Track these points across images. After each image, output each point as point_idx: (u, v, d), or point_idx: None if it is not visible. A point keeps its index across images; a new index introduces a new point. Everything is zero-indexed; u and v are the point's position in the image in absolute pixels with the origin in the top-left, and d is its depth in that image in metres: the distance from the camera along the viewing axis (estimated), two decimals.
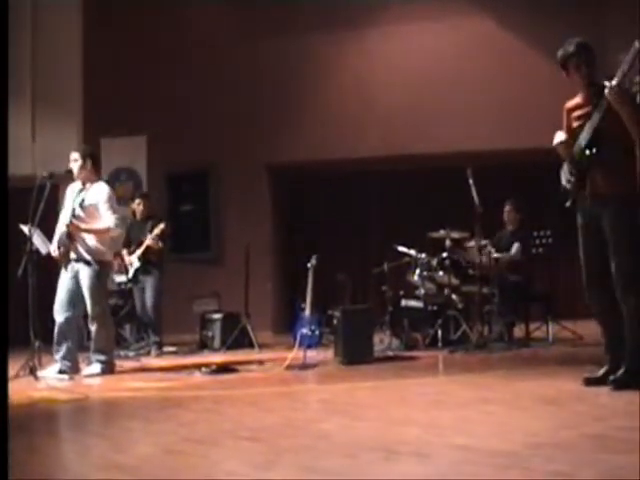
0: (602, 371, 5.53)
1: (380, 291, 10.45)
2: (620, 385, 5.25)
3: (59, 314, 8.03)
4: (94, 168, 8.47)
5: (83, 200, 8.18)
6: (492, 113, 12.47)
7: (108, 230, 8.19)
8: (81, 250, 8.11)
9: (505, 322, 9.39)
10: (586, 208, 5.55)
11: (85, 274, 8.05)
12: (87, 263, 8.07)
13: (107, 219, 8.14)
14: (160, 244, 10.46)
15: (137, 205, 10.82)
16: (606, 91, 5.27)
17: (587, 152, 5.41)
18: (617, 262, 5.36)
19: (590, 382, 5.52)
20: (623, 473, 3.12)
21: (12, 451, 3.97)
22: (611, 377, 5.35)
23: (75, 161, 8.30)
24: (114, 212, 8.21)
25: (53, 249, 8.22)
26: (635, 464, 3.18)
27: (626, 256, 5.34)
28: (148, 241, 10.31)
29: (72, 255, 8.12)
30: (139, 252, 10.39)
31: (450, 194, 11.85)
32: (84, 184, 8.31)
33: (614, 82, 5.26)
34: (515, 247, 9.77)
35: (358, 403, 5.69)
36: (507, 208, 10.16)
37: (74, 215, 8.14)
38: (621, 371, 5.33)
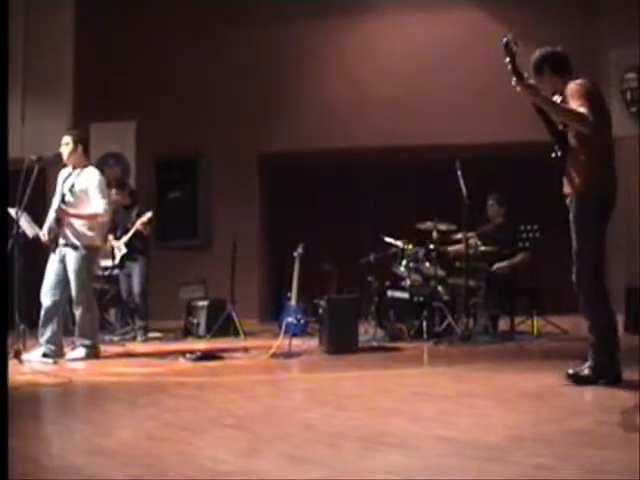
0: (586, 366, 5.56)
1: (366, 281, 10.46)
2: (578, 380, 5.29)
3: (46, 297, 8.03)
4: (84, 153, 8.46)
5: (73, 185, 8.19)
6: (484, 106, 12.47)
7: (97, 216, 8.19)
8: (69, 235, 8.11)
9: (490, 315, 9.41)
10: None
11: (72, 258, 8.05)
12: (74, 247, 8.07)
13: (97, 205, 8.15)
14: (148, 230, 10.49)
15: (115, 195, 10.70)
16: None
17: (552, 155, 5.55)
18: (574, 255, 5.46)
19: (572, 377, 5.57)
20: (605, 468, 3.13)
21: None
22: (570, 371, 5.38)
23: (66, 145, 8.30)
24: (103, 197, 8.22)
25: (43, 233, 8.22)
26: (617, 459, 3.20)
27: (579, 250, 5.44)
28: (138, 226, 10.30)
29: (60, 240, 8.12)
30: (126, 238, 10.39)
31: (439, 186, 11.84)
32: (74, 168, 8.31)
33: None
34: (520, 255, 9.77)
35: (342, 393, 5.70)
36: (490, 202, 10.19)
37: (63, 200, 8.13)
38: (584, 365, 5.37)
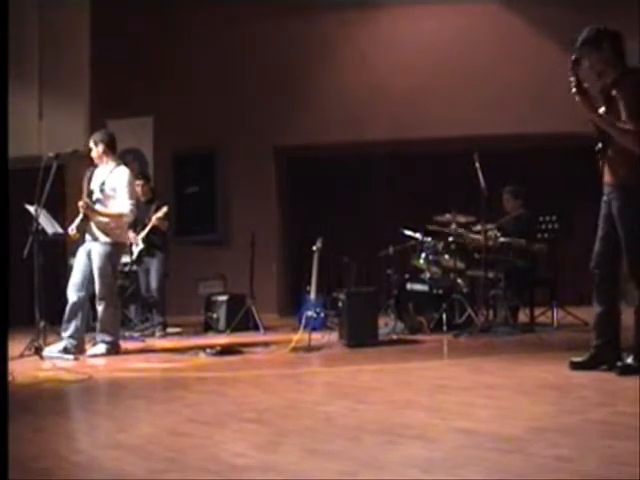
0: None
1: (385, 274, 10.44)
2: (625, 371, 5.29)
3: (72, 293, 8.08)
4: (112, 151, 8.52)
5: (103, 183, 8.25)
6: (499, 97, 12.43)
7: (122, 215, 8.24)
8: (95, 230, 8.16)
9: (510, 307, 9.38)
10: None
11: (97, 254, 8.11)
12: (101, 243, 8.12)
13: (124, 204, 8.22)
14: (166, 225, 10.54)
15: (138, 187, 10.79)
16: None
17: (597, 146, 5.48)
18: (624, 244, 5.42)
19: (576, 366, 5.63)
20: (627, 459, 3.12)
21: (17, 430, 3.99)
22: (619, 363, 5.38)
23: (95, 145, 8.36)
24: (131, 198, 8.28)
25: (72, 228, 8.27)
26: (638, 450, 3.19)
27: (630, 239, 5.40)
28: (154, 221, 10.33)
29: (87, 236, 8.19)
30: (143, 234, 10.41)
31: (457, 178, 11.84)
32: (106, 166, 8.37)
33: None
34: (539, 246, 9.71)
35: (362, 386, 5.71)
36: (505, 197, 10.13)
37: (91, 198, 8.19)
38: (630, 358, 5.37)
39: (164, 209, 10.40)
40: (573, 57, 5.40)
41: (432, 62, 12.99)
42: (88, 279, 8.14)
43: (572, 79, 5.40)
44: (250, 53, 13.53)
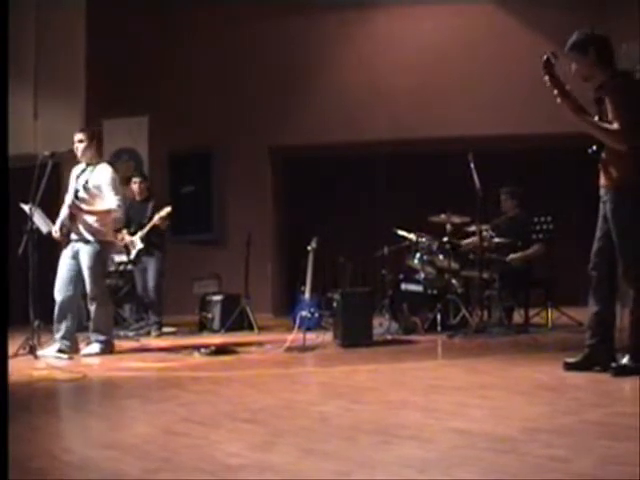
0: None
1: (380, 275, 10.44)
2: (620, 372, 5.29)
3: (60, 293, 8.05)
4: (98, 149, 8.48)
5: (86, 181, 8.21)
6: (496, 97, 12.43)
7: (110, 211, 8.20)
8: (82, 230, 8.13)
9: (504, 307, 9.39)
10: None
11: (85, 254, 8.07)
12: (88, 243, 8.09)
13: (110, 200, 8.16)
14: (166, 224, 10.50)
15: (135, 185, 10.82)
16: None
17: (589, 150, 5.50)
18: (617, 246, 5.43)
19: (570, 367, 5.64)
20: (624, 459, 3.12)
21: (12, 430, 3.98)
22: (613, 364, 5.39)
23: (80, 142, 8.31)
24: (117, 193, 8.23)
25: (55, 229, 8.24)
26: (634, 451, 3.19)
27: (623, 240, 5.41)
28: (156, 221, 10.29)
29: (73, 235, 8.15)
30: (142, 233, 10.38)
31: (456, 178, 11.83)
32: (88, 165, 8.33)
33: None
34: (534, 247, 9.71)
35: (357, 386, 5.70)
36: (503, 197, 10.14)
37: (77, 196, 8.16)
38: (625, 358, 5.38)
39: (167, 209, 10.36)
40: (545, 57, 5.44)
41: (430, 62, 13.00)
42: (75, 279, 8.12)
43: (546, 78, 5.44)
44: (249, 53, 13.52)
